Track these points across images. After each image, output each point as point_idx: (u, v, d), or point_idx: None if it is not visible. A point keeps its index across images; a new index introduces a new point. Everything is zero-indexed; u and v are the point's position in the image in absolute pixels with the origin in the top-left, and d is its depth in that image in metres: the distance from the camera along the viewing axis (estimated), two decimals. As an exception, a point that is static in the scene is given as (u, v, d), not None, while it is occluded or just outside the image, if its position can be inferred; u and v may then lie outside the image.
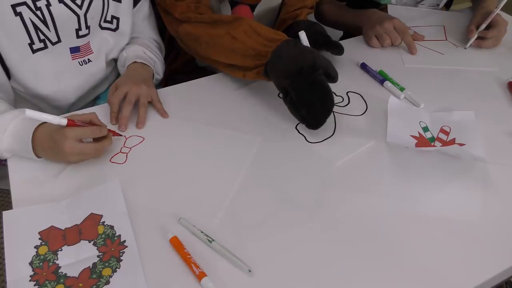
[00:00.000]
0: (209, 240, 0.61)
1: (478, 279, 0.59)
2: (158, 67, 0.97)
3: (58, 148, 0.69)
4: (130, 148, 0.77)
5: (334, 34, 1.26)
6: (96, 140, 0.72)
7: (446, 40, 1.11)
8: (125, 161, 0.75)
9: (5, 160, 0.75)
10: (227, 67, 0.88)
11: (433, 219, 0.67)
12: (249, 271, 0.58)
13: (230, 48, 0.84)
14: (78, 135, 0.69)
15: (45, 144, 0.70)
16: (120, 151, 0.76)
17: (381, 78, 0.94)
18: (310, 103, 0.75)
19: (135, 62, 0.91)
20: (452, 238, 0.64)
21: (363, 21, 1.10)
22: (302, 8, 1.05)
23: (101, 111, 0.82)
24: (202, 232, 0.63)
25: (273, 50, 0.78)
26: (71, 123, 0.69)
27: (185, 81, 0.94)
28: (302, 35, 0.85)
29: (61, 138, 0.68)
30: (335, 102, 0.88)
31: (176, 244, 0.61)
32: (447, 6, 1.28)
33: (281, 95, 0.80)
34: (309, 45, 0.84)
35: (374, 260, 0.61)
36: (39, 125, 0.71)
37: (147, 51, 0.96)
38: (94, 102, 1.02)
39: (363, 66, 0.99)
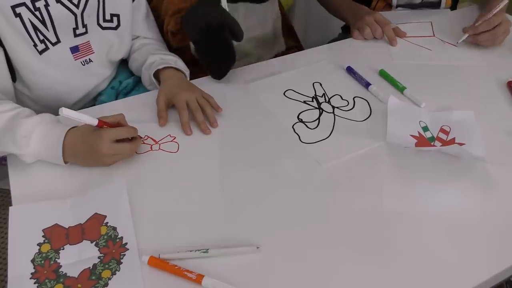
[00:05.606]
0: (204, 252, 0.60)
1: (478, 279, 0.59)
2: (180, 64, 0.95)
3: (94, 150, 0.68)
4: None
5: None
6: (126, 140, 0.72)
7: (434, 36, 1.11)
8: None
9: (5, 160, 0.75)
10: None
11: (433, 219, 0.67)
12: (257, 247, 0.60)
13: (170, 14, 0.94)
14: (114, 136, 0.69)
15: (77, 148, 0.70)
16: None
17: (366, 81, 0.92)
18: (217, 57, 0.90)
19: (162, 69, 0.89)
20: (452, 238, 0.64)
21: (350, 18, 1.14)
22: None
23: (100, 112, 0.81)
24: (191, 251, 0.60)
25: (191, 6, 0.86)
26: (101, 124, 0.69)
27: None
28: None
29: (96, 140, 0.68)
30: (339, 105, 0.88)
31: (157, 264, 0.59)
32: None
33: None
34: (227, 8, 0.87)
35: (373, 260, 0.61)
36: (69, 130, 0.70)
37: (164, 56, 0.94)
38: (95, 100, 1.01)
39: (349, 70, 0.97)
